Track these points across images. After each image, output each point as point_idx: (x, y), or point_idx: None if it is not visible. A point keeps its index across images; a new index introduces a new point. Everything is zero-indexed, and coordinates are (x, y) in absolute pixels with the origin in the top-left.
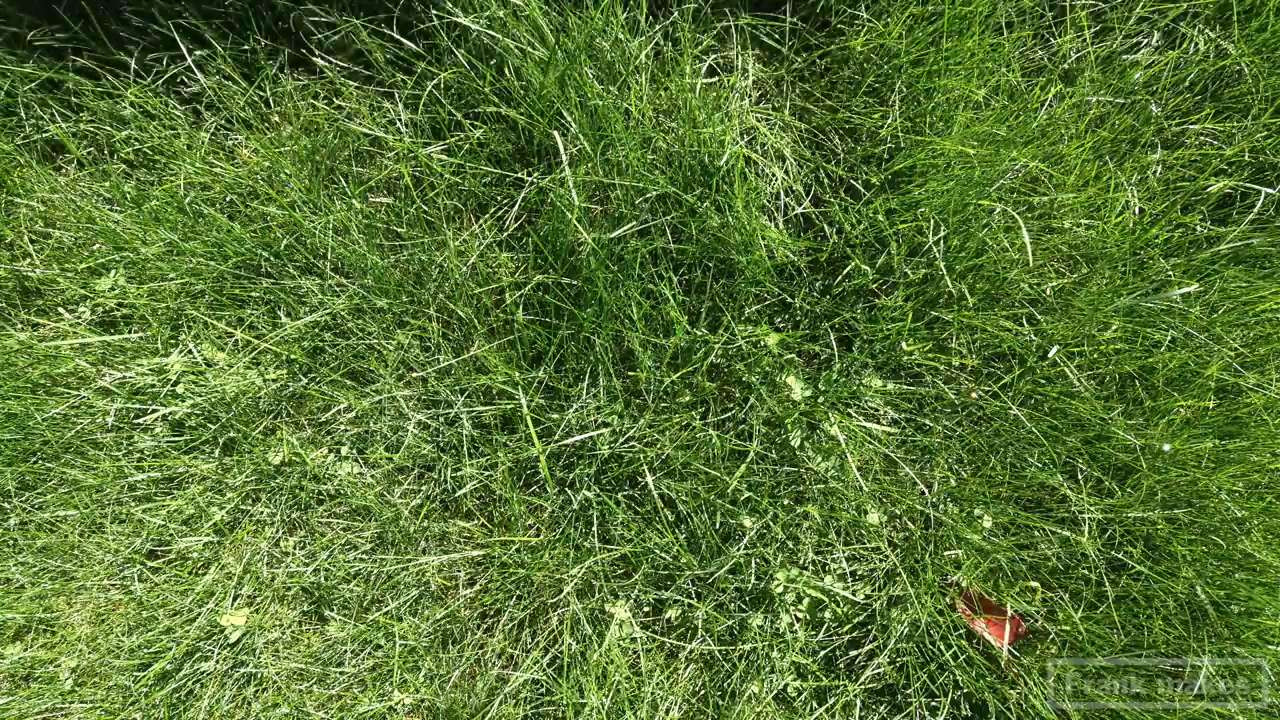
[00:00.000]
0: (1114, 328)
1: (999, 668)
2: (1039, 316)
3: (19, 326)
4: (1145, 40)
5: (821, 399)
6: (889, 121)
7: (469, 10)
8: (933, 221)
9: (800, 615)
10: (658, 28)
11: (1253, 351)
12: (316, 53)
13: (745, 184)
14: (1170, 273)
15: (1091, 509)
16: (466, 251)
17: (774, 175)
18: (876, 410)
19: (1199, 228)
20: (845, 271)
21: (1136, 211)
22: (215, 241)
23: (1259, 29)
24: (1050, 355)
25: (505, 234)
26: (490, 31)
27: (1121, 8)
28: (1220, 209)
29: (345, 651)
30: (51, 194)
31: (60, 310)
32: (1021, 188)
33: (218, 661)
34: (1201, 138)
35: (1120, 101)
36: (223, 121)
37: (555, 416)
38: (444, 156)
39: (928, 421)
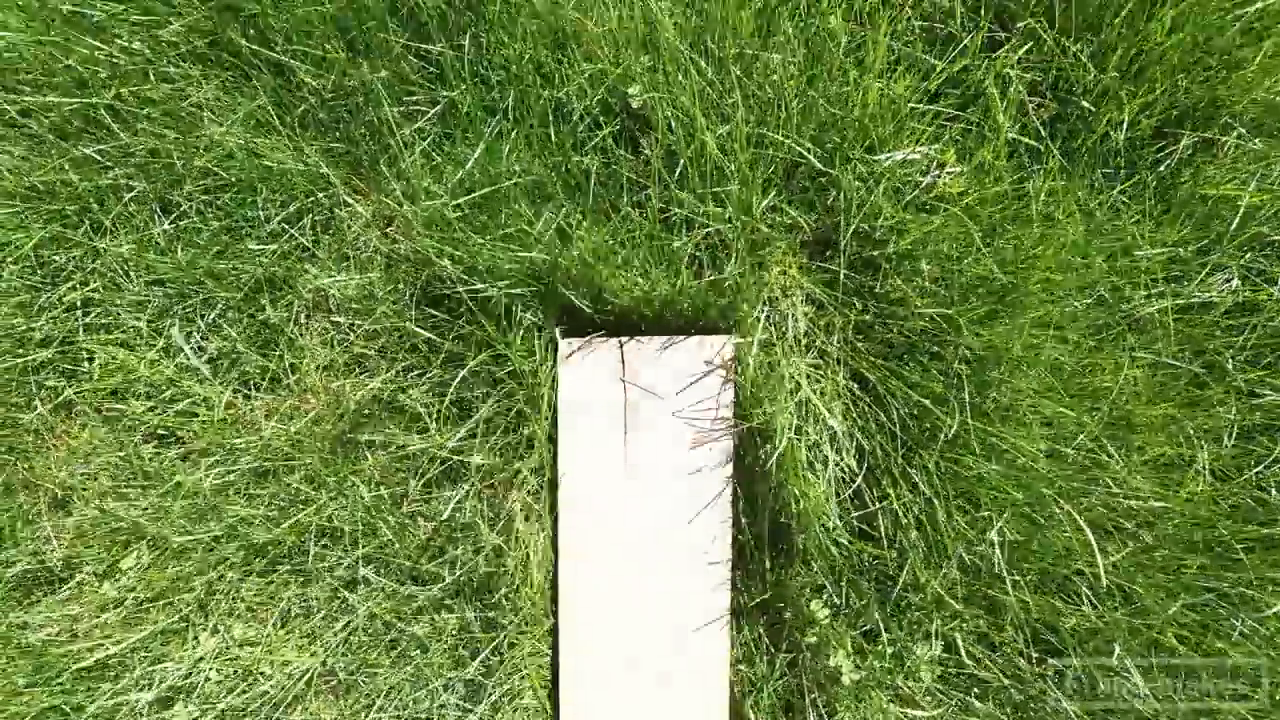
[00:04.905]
0: (1180, 608)
1: None
2: (1096, 604)
3: (45, 617)
4: (1225, 283)
5: (869, 674)
6: (949, 414)
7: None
8: (993, 519)
9: None
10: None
11: None
12: (334, 314)
13: (798, 465)
14: (1241, 556)
15: None
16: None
17: (827, 458)
18: (922, 686)
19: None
20: (903, 574)
21: (1207, 475)
22: (234, 523)
23: None
24: (1113, 660)
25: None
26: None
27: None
28: None
29: None
30: (69, 474)
31: (84, 594)
32: (1084, 458)
33: None
34: None
35: (1194, 353)
36: (238, 384)
37: None
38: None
39: (976, 702)
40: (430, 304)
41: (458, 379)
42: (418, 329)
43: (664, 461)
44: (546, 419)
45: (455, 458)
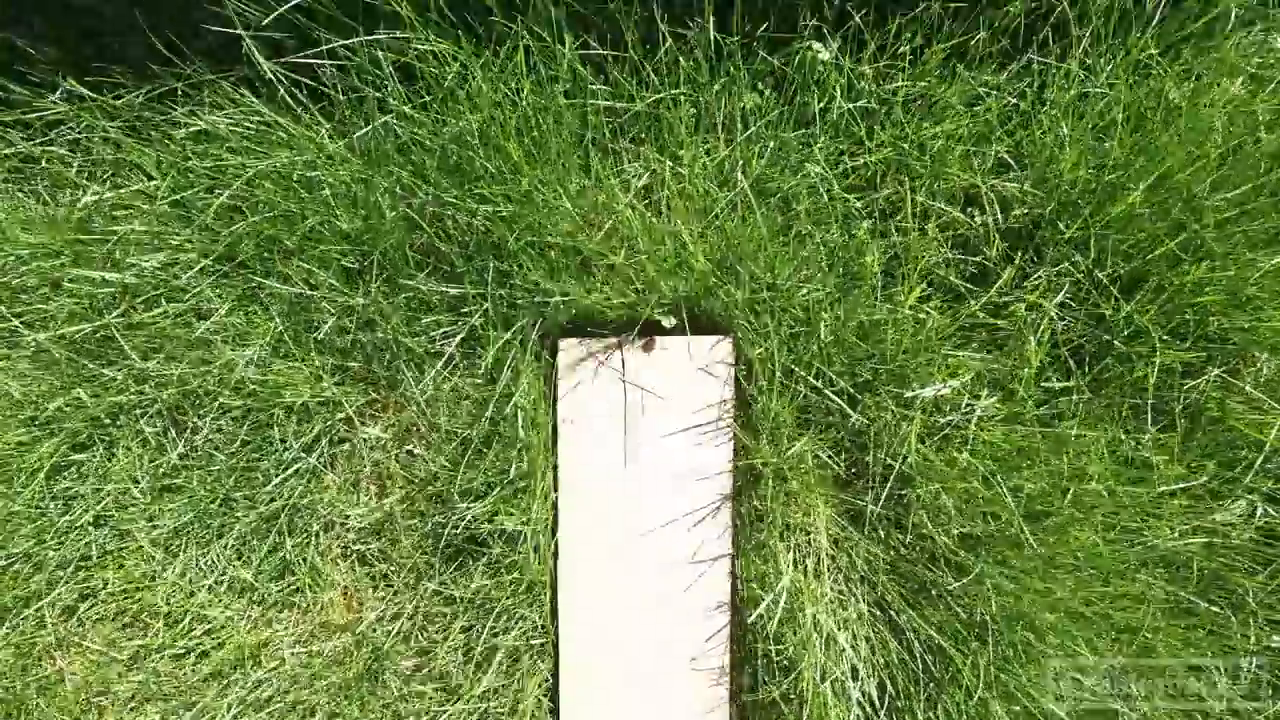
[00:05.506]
0: None
1: None
2: None
3: None
4: (1249, 512)
5: None
6: (969, 656)
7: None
8: None
9: None
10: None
11: None
12: (355, 543)
13: (825, 710)
14: None
15: None
16: None
17: (851, 696)
18: None
19: None
20: None
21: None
22: None
23: None
24: None
25: None
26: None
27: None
28: None
29: None
30: (87, 699)
31: None
32: (1105, 693)
33: None
34: None
35: (1212, 580)
36: (259, 607)
37: None
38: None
39: None
40: (451, 539)
41: (481, 642)
42: (437, 591)
43: (665, 459)
44: (551, 640)
45: (478, 705)
